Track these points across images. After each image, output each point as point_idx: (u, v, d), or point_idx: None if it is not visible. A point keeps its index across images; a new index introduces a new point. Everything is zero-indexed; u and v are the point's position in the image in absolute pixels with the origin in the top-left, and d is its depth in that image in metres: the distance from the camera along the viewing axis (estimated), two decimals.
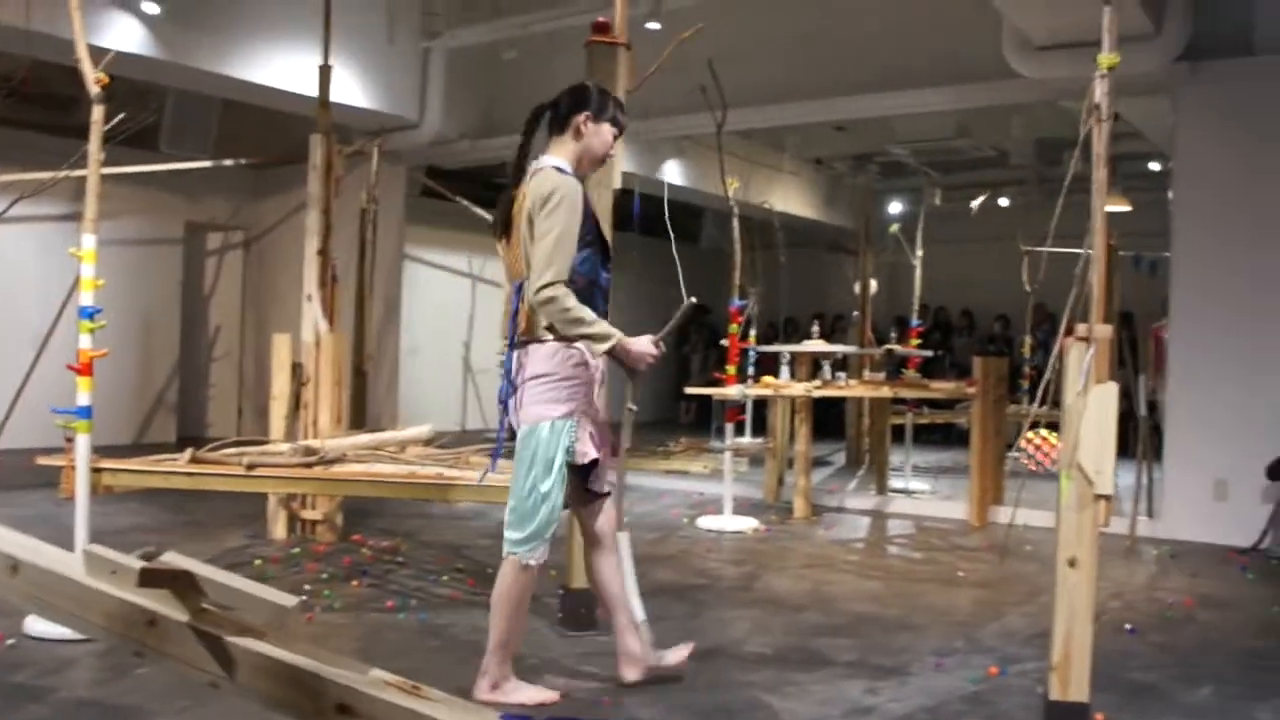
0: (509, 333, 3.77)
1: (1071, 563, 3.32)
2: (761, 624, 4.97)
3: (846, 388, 8.71)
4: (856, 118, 10.24)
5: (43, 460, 5.15)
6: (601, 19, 4.78)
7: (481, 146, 10.85)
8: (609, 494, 3.91)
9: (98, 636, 2.37)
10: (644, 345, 3.71)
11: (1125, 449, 7.77)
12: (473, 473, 5.38)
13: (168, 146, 10.55)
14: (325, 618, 4.83)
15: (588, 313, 3.59)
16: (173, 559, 2.32)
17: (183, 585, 2.26)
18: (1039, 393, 3.75)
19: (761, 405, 9.32)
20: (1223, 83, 7.40)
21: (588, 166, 3.90)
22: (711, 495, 8.58)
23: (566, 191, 3.62)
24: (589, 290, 3.70)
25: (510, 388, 3.77)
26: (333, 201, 6.79)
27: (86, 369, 4.45)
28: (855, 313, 11.35)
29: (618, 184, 4.78)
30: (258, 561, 5.96)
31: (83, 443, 4.47)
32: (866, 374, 9.56)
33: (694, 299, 3.95)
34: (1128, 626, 5.06)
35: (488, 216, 12.11)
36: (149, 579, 2.23)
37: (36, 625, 4.27)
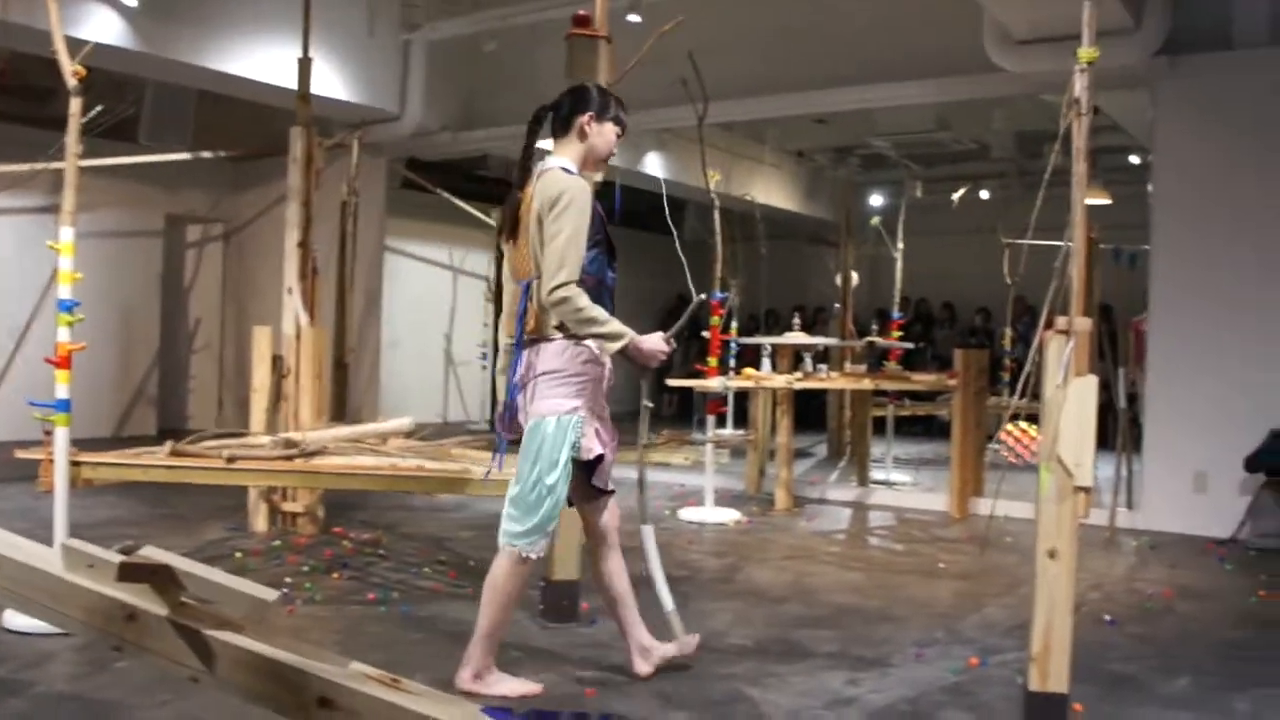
0: (516, 332, 3.78)
1: (1051, 554, 3.34)
2: (743, 616, 4.98)
3: (828, 380, 8.73)
4: (837, 110, 10.23)
5: (21, 454, 5.10)
6: (582, 12, 4.77)
7: (462, 139, 10.83)
8: (613, 491, 3.92)
9: (76, 631, 2.36)
10: (655, 343, 3.75)
11: (1105, 441, 7.86)
12: (453, 464, 5.38)
13: (147, 139, 10.49)
14: (306, 610, 4.82)
15: (600, 312, 3.62)
16: (152, 553, 2.31)
17: (162, 579, 2.25)
18: (1018, 385, 3.76)
19: (743, 397, 9.33)
20: (1201, 77, 7.43)
21: (592, 166, 3.93)
22: (693, 487, 8.59)
23: (575, 193, 3.64)
24: (597, 289, 3.72)
25: (518, 388, 3.78)
26: (313, 194, 6.77)
27: (65, 362, 4.43)
28: (836, 305, 11.38)
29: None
30: (238, 554, 5.94)
31: (61, 436, 4.45)
32: (848, 366, 9.59)
33: (704, 295, 4.00)
34: (1107, 617, 5.09)
35: (469, 209, 12.25)
36: (128, 573, 2.23)
37: (15, 620, 4.25)
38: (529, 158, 3.87)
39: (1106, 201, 10.40)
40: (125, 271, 11.26)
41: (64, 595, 2.27)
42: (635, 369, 3.85)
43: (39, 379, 5.24)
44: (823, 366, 8.87)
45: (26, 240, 9.98)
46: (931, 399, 10.70)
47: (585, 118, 3.84)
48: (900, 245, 10.50)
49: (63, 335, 4.43)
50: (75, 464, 4.63)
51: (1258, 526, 7.02)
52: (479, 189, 13.13)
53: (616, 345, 3.66)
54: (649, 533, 4.02)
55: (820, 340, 9.30)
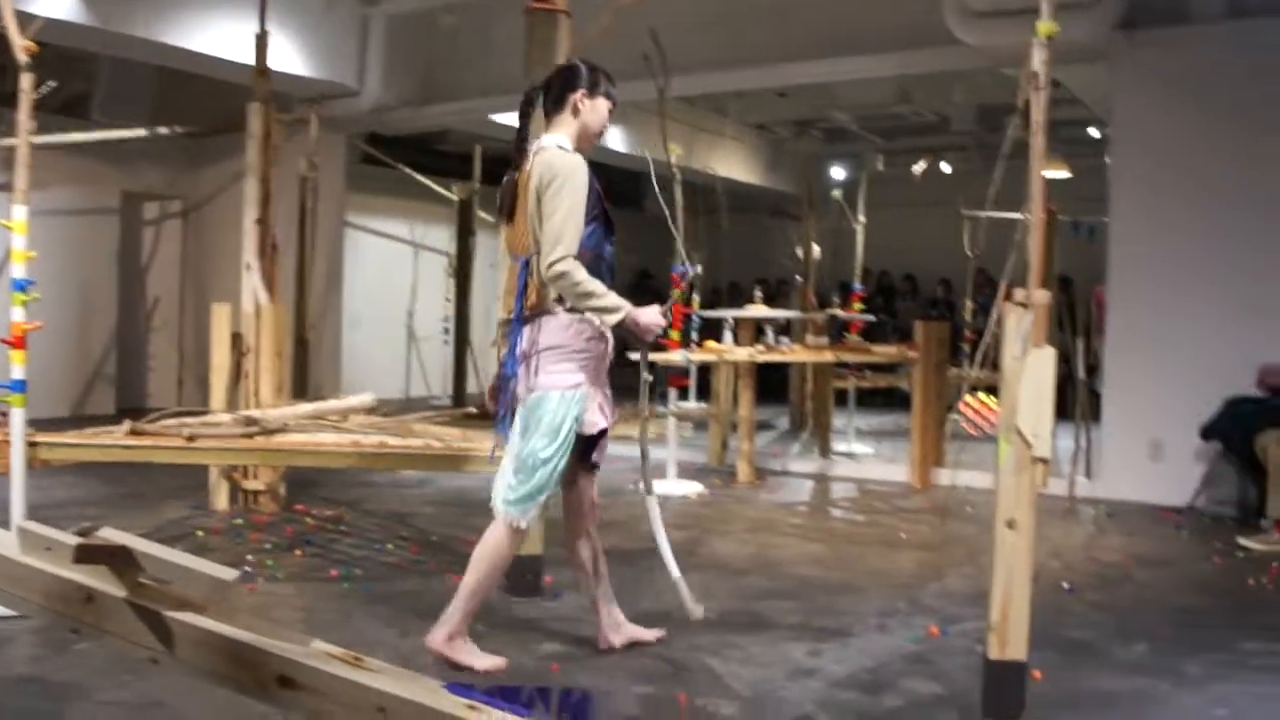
0: (516, 308, 3.82)
1: (1010, 524, 3.36)
2: (705, 588, 4.98)
3: (790, 352, 8.76)
4: (798, 84, 10.24)
5: None
6: None
7: (422, 113, 10.74)
8: (598, 468, 3.98)
9: (34, 614, 2.34)
10: (652, 316, 3.82)
11: (1065, 411, 7.94)
12: (417, 440, 5.38)
13: (102, 115, 10.36)
14: (269, 588, 4.81)
15: (598, 285, 3.66)
16: (109, 534, 2.29)
17: (120, 561, 2.23)
18: (976, 357, 3.79)
19: (705, 370, 9.35)
20: (1159, 50, 7.47)
21: (588, 142, 3.95)
22: (656, 460, 8.59)
23: (573, 169, 3.69)
24: (595, 264, 3.76)
25: (519, 362, 3.81)
26: (271, 170, 6.71)
27: (20, 342, 4.39)
28: (798, 277, 11.41)
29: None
30: (200, 533, 5.91)
31: (18, 417, 4.41)
32: (809, 339, 9.61)
33: (699, 268, 4.06)
34: (1066, 585, 5.16)
35: (429, 184, 12.17)
36: (85, 555, 2.21)
37: None
38: (524, 139, 3.91)
39: (1066, 174, 10.46)
40: (81, 250, 11.11)
41: (21, 578, 2.25)
42: (633, 341, 3.90)
43: None
44: (785, 339, 8.90)
45: None
46: (893, 370, 10.76)
47: (578, 95, 3.88)
48: (862, 218, 10.54)
49: (17, 315, 4.38)
50: (32, 445, 4.60)
51: (1213, 494, 7.11)
52: (439, 164, 13.06)
53: (615, 318, 3.71)
54: (654, 503, 4.06)
55: (782, 313, 9.33)
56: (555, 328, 3.75)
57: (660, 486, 7.57)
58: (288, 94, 9.86)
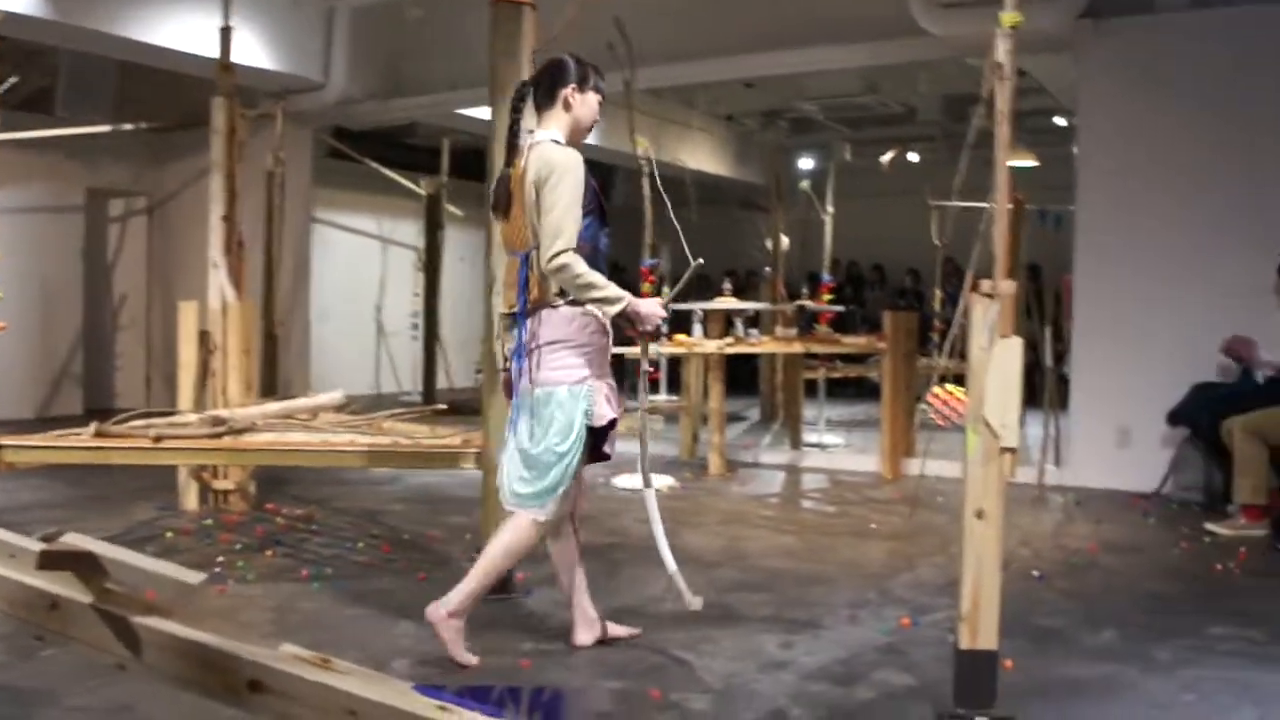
0: (519, 303, 3.82)
1: (979, 514, 3.37)
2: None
3: (759, 344, 8.77)
4: (765, 74, 10.23)
5: None
6: None
7: (388, 107, 10.69)
8: (610, 458, 4.02)
9: None
10: (653, 306, 3.87)
11: (1034, 399, 7.98)
12: (384, 438, 5.35)
13: (64, 111, 10.25)
14: (239, 590, 4.77)
15: (598, 277, 3.69)
16: (74, 540, 2.27)
17: (85, 567, 2.21)
18: (944, 348, 3.80)
19: (676, 363, 9.35)
20: (1124, 39, 7.52)
21: (578, 137, 3.97)
22: (627, 454, 8.59)
23: (570, 164, 3.71)
24: (592, 255, 3.78)
25: (521, 355, 3.82)
26: (237, 166, 6.66)
27: None
28: (767, 269, 11.42)
29: None
30: (169, 534, 5.86)
31: None
32: (779, 330, 9.62)
33: (700, 260, 4.08)
34: (1035, 573, 5.18)
35: (397, 178, 12.12)
36: (49, 561, 2.19)
37: None
38: (515, 135, 3.93)
39: (1033, 163, 10.51)
40: (45, 248, 10.98)
41: None
42: (633, 332, 3.93)
43: None
44: (754, 331, 8.91)
45: None
46: (862, 361, 10.79)
47: (568, 89, 3.91)
48: (830, 208, 10.55)
49: None
50: None
51: (1180, 480, 7.16)
52: (407, 158, 13.00)
53: (615, 309, 3.74)
54: (651, 496, 4.07)
55: (751, 305, 9.33)
56: (557, 321, 3.77)
57: (631, 481, 7.58)
58: (253, 88, 9.79)
